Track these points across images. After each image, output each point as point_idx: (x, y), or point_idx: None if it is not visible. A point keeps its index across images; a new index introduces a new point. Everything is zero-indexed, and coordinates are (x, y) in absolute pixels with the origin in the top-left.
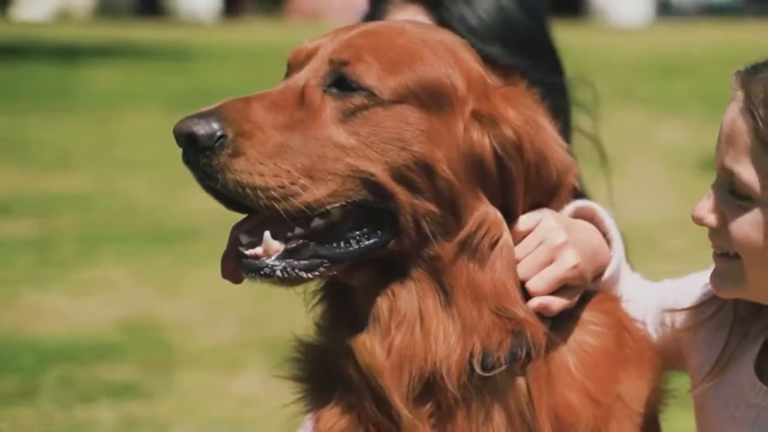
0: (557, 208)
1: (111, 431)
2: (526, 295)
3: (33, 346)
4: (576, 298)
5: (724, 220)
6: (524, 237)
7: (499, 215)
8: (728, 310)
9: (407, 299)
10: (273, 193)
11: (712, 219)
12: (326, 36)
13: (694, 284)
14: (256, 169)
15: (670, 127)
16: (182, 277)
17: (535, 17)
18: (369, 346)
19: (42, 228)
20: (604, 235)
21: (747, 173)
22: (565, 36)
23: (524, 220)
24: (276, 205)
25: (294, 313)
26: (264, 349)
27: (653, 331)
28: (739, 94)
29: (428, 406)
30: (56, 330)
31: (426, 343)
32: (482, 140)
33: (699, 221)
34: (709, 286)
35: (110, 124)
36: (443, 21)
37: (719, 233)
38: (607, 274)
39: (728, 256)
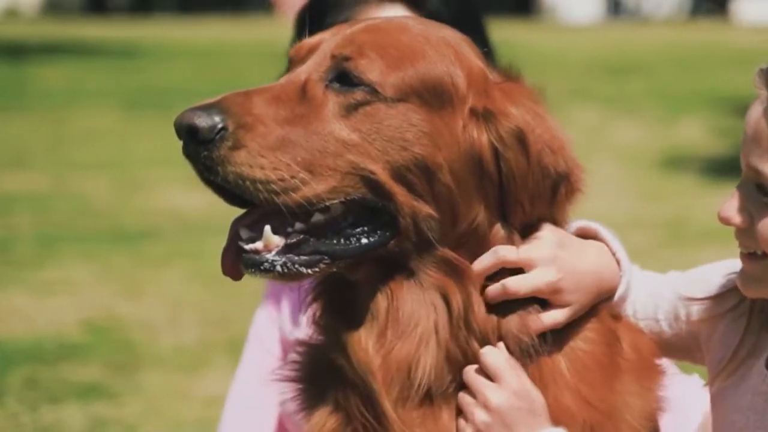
0: (562, 216)
1: None
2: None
3: None
4: (561, 317)
5: (751, 220)
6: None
7: (496, 227)
8: (747, 302)
9: (406, 300)
10: (273, 186)
11: (739, 219)
12: (328, 31)
13: (710, 274)
14: (256, 161)
15: (626, 126)
16: (143, 277)
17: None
18: (363, 343)
19: (0, 228)
20: (613, 254)
21: None
22: (517, 34)
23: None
24: (276, 199)
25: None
26: (228, 350)
27: (667, 327)
28: (763, 94)
29: (415, 408)
30: (19, 330)
31: (418, 345)
32: (480, 138)
33: (726, 221)
34: (729, 277)
35: (63, 123)
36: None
37: (747, 233)
38: (616, 296)
39: (756, 255)
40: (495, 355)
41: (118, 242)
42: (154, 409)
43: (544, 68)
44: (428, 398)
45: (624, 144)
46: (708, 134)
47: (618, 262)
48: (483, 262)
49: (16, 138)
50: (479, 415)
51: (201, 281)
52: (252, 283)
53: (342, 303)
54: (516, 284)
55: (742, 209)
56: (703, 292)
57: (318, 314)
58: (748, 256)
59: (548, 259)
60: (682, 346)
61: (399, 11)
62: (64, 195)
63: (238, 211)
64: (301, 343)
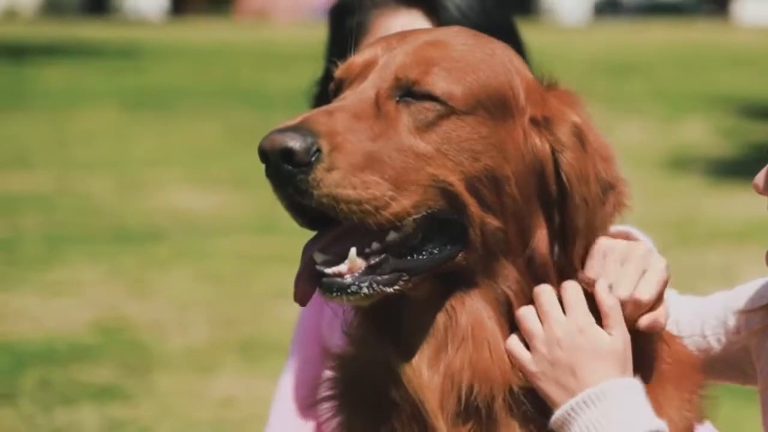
0: (608, 227)
1: None
2: None
3: (8, 347)
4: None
5: None
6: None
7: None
8: None
9: (465, 314)
10: (366, 206)
11: (762, 185)
12: (377, 46)
13: (760, 286)
14: (350, 181)
15: (629, 127)
16: (151, 277)
17: (507, 10)
18: (416, 364)
19: (6, 228)
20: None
21: None
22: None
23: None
24: (368, 218)
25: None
26: (239, 351)
27: (715, 342)
28: None
29: (469, 426)
30: (30, 331)
31: (492, 359)
32: (543, 146)
33: (755, 189)
34: None
35: (64, 124)
36: (443, 23)
37: None
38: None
39: None
40: (573, 290)
41: (123, 242)
42: (167, 411)
43: (545, 68)
44: (487, 414)
45: (627, 145)
46: (711, 134)
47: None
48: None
49: (17, 138)
50: (541, 349)
51: (208, 281)
52: (258, 283)
53: (386, 320)
54: (647, 293)
55: None
56: (753, 303)
57: (354, 327)
58: None
59: (648, 252)
60: (732, 362)
61: (416, 18)
62: (68, 195)
63: (247, 216)
64: (335, 357)
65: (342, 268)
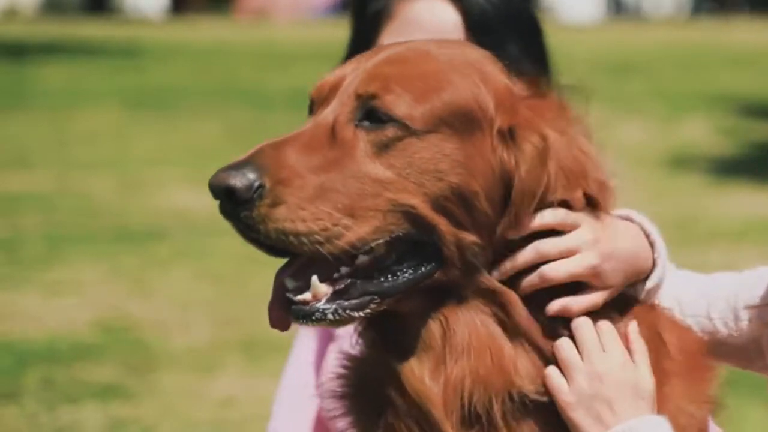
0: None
1: None
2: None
3: (10, 347)
4: (599, 299)
5: None
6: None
7: None
8: None
9: (460, 324)
10: (317, 237)
11: None
12: (349, 65)
13: None
14: (297, 215)
15: (630, 126)
16: (152, 277)
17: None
18: (418, 373)
19: (6, 228)
20: (647, 237)
21: None
22: None
23: (550, 213)
24: (321, 249)
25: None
26: (240, 350)
27: (722, 326)
28: None
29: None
30: (32, 331)
31: (477, 360)
32: (509, 158)
33: None
34: None
35: (65, 123)
36: (468, 11)
37: None
38: (652, 282)
39: None
40: (609, 330)
41: (124, 242)
42: (170, 410)
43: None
44: (491, 421)
45: (628, 144)
46: (712, 134)
47: (652, 245)
48: (523, 258)
49: (17, 138)
50: (581, 381)
51: (209, 281)
52: (259, 283)
53: (389, 329)
54: (554, 270)
55: None
56: (765, 299)
57: (367, 343)
58: None
59: (591, 242)
60: (739, 349)
61: (441, 5)
62: (69, 195)
63: None
64: (346, 356)
65: (306, 296)
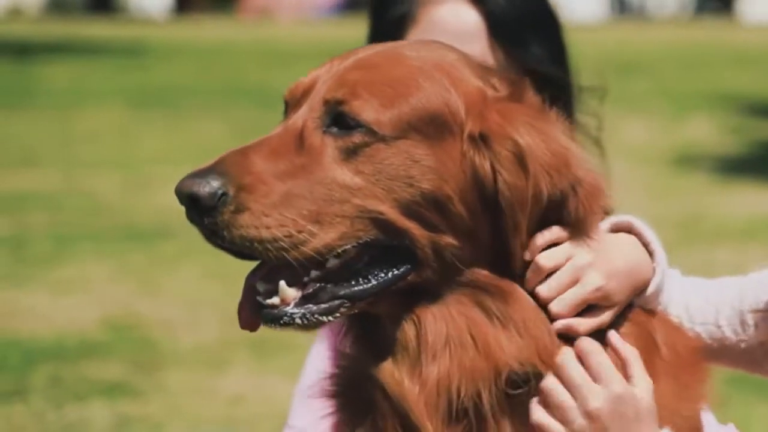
0: (589, 231)
1: (106, 430)
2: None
3: (18, 344)
4: (607, 318)
5: None
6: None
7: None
8: None
9: (434, 324)
10: (282, 243)
11: None
12: (322, 67)
13: None
14: (261, 222)
15: (634, 125)
16: (159, 275)
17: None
18: (396, 375)
19: (14, 226)
20: (646, 246)
21: None
22: None
23: (548, 255)
24: (286, 255)
25: None
26: (248, 348)
27: (731, 333)
28: None
29: (461, 427)
30: (40, 329)
31: (453, 360)
32: (482, 163)
33: None
34: None
35: (71, 122)
36: (491, 14)
37: None
38: (650, 289)
39: None
40: (599, 354)
41: (131, 240)
42: (178, 408)
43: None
44: (475, 415)
45: (633, 143)
46: (716, 133)
47: (651, 253)
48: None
49: (23, 137)
50: (578, 420)
51: (217, 279)
52: None
53: (367, 331)
54: (562, 302)
55: None
56: None
57: (350, 343)
58: None
59: (587, 265)
60: (746, 354)
61: (462, 6)
62: (75, 193)
63: None
64: (341, 354)
65: (275, 300)
